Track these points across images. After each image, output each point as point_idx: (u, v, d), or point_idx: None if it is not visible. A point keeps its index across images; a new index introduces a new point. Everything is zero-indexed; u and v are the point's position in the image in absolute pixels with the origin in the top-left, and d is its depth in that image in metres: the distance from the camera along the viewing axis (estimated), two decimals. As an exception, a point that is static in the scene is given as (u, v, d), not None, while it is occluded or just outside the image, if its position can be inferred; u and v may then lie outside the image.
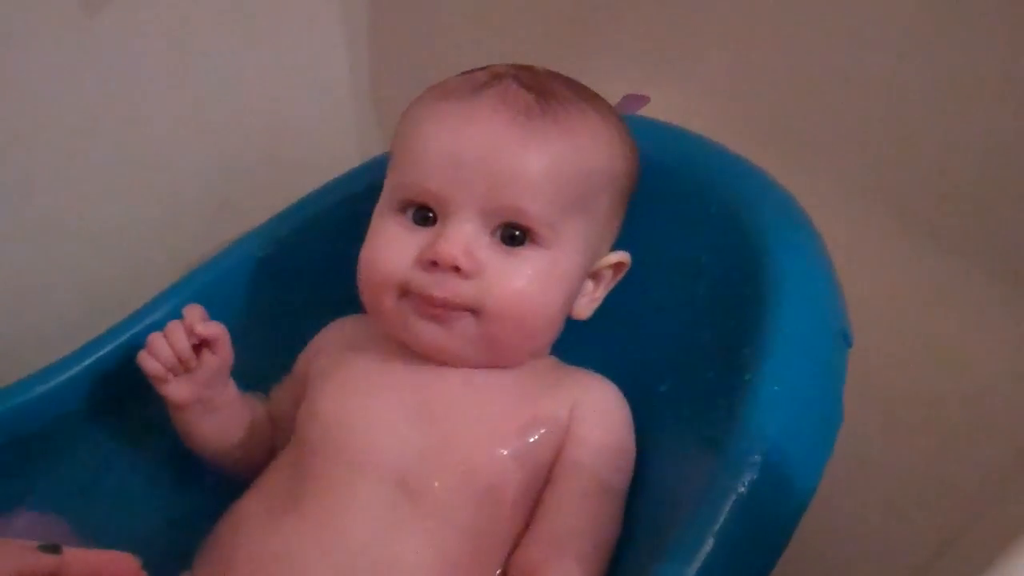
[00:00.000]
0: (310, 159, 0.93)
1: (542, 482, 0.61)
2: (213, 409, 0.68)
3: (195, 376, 0.67)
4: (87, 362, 0.73)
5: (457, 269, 0.59)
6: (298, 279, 0.79)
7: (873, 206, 0.85)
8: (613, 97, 0.68)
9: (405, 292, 0.61)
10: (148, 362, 0.66)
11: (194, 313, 0.67)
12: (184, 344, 0.66)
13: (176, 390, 0.66)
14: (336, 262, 0.68)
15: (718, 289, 0.63)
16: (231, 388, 0.69)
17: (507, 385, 0.63)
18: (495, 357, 0.63)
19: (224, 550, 0.62)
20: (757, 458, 0.51)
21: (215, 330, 0.66)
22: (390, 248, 0.62)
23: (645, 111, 0.85)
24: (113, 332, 0.74)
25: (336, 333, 0.71)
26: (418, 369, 0.63)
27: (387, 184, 0.65)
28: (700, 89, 0.95)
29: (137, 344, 0.70)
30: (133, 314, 0.75)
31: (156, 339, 0.66)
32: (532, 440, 0.61)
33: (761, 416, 0.53)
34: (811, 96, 0.90)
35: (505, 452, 0.60)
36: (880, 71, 0.84)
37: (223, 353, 0.67)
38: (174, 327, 0.66)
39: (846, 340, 0.58)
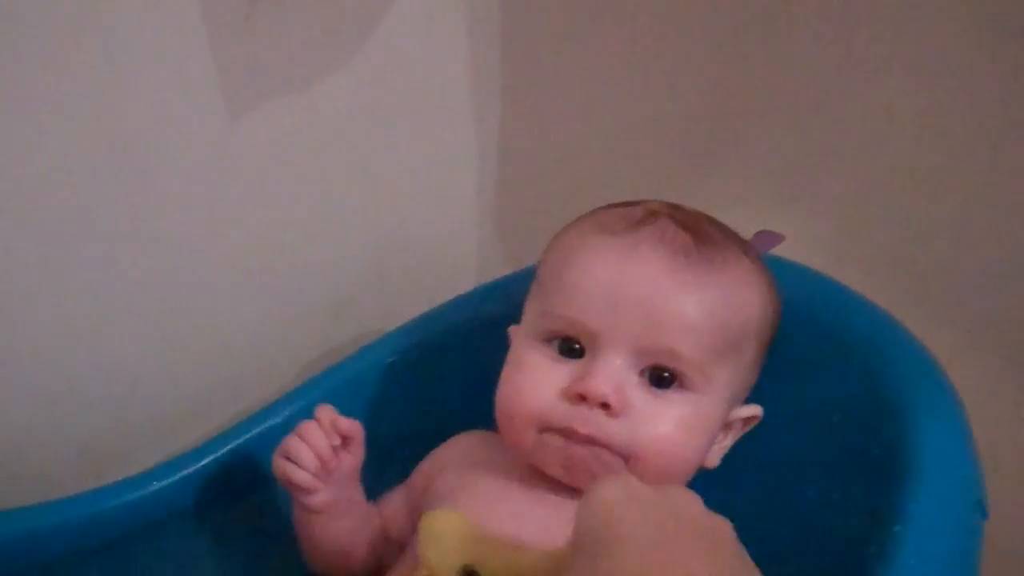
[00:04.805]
0: (428, 268, 0.94)
1: None
2: (344, 513, 0.65)
3: (332, 478, 0.64)
4: (204, 462, 0.73)
5: (605, 406, 0.58)
6: (423, 391, 0.79)
7: (1002, 358, 0.82)
8: (738, 228, 0.68)
9: (546, 427, 0.60)
10: (296, 473, 0.62)
11: (330, 412, 0.63)
12: (326, 445, 0.62)
13: (317, 497, 0.63)
14: (463, 379, 0.68)
15: (851, 448, 0.62)
16: (360, 490, 0.67)
17: None
18: None
19: None
20: (891, 637, 0.49)
21: (355, 427, 0.64)
22: (535, 379, 0.61)
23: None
24: (236, 431, 0.75)
25: (459, 450, 0.69)
26: (543, 498, 0.62)
27: (532, 310, 0.64)
28: (821, 220, 0.94)
29: (256, 446, 0.72)
30: (256, 414, 0.76)
31: (296, 445, 0.62)
32: None
33: (896, 591, 0.51)
34: (937, 233, 0.88)
35: None
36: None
37: (358, 452, 0.65)
38: (311, 429, 0.63)
39: (982, 511, 0.56)
